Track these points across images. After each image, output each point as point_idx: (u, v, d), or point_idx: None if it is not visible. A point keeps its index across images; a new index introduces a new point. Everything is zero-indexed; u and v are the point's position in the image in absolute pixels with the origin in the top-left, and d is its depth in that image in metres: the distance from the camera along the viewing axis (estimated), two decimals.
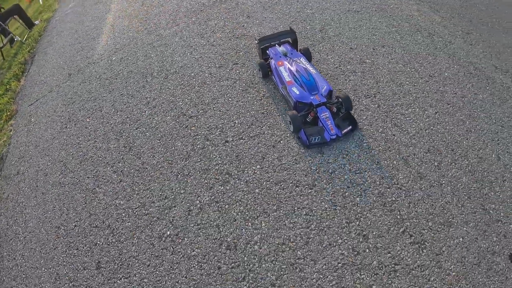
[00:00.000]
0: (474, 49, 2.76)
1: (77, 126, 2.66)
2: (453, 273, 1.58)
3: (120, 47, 3.27)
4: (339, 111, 2.25)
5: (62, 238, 2.04)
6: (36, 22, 5.08)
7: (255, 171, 1.98)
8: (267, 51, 2.59)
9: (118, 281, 1.76)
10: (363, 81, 2.44)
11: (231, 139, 2.16)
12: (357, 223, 1.74)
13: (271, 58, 2.51)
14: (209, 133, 2.23)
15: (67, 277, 1.85)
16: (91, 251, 1.91)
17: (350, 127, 2.18)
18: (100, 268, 1.83)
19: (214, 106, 2.41)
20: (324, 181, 1.91)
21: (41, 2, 5.99)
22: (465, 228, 1.75)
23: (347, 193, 1.87)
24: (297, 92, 2.20)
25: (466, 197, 1.86)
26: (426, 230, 1.73)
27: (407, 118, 2.21)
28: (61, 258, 1.94)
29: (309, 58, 2.57)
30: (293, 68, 2.34)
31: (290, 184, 1.89)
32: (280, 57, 2.47)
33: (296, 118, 2.12)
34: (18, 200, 2.38)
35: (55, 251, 1.98)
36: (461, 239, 1.71)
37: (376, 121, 2.18)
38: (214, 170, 2.04)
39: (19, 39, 4.59)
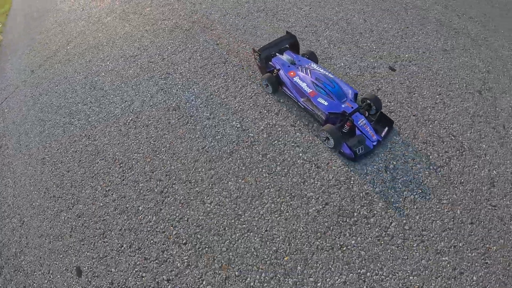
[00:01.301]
0: None
1: (48, 95, 3.22)
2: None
3: (72, 39, 3.92)
4: (368, 112, 2.15)
5: (47, 163, 2.53)
6: None
7: (185, 66, 2.73)
8: (270, 63, 2.40)
9: (96, 164, 2.32)
10: (254, 6, 3.34)
11: (166, 56, 2.89)
12: (258, 73, 2.49)
13: (278, 70, 2.31)
14: (150, 58, 2.95)
15: (54, 186, 2.32)
16: (72, 158, 2.44)
17: (387, 128, 2.09)
18: (81, 163, 2.37)
19: (152, 45, 3.15)
20: (233, 55, 2.73)
21: None
22: (344, 58, 2.61)
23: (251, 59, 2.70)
24: (326, 103, 2.03)
25: (340, 43, 2.73)
26: None
27: (288, 15, 3.11)
28: (48, 176, 2.40)
29: (315, 62, 2.43)
30: (310, 77, 2.18)
31: (209, 65, 2.66)
32: (289, 66, 2.29)
33: (335, 132, 1.96)
34: (4, 162, 2.78)
35: (42, 175, 2.44)
36: (342, 64, 2.57)
37: (265, 22, 3.05)
38: (157, 75, 2.74)
39: None
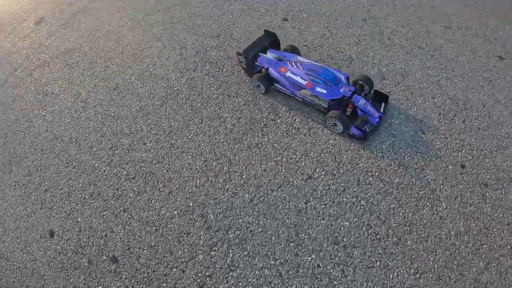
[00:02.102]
0: None
1: (5, 114, 3.47)
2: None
3: (18, 67, 4.28)
4: (362, 92, 2.25)
5: (14, 164, 2.78)
6: None
7: (120, 58, 3.18)
8: (257, 63, 2.40)
9: (56, 147, 2.64)
10: None
11: (103, 55, 3.29)
12: (182, 47, 2.98)
13: (267, 69, 2.32)
14: (90, 61, 3.36)
15: (23, 177, 2.57)
16: (35, 150, 2.71)
17: (383, 103, 2.21)
18: (43, 151, 2.68)
19: (90, 51, 3.57)
20: (156, 40, 3.20)
21: None
22: (244, 21, 3.10)
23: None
24: (325, 91, 2.10)
25: (240, 11, 3.23)
26: None
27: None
28: (16, 172, 2.65)
29: (298, 54, 2.48)
30: (303, 69, 2.22)
31: (139, 51, 3.11)
32: (277, 63, 2.31)
33: (343, 117, 2.05)
34: None
35: (11, 174, 2.67)
36: (242, 25, 3.07)
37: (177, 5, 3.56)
38: (98, 70, 3.17)
39: None
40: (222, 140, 2.26)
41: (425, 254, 1.86)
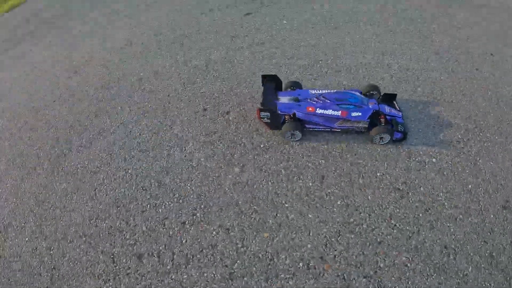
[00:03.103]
0: None
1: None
2: None
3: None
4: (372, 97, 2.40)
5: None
6: None
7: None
8: (279, 112, 2.33)
9: None
10: None
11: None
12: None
13: (293, 114, 2.29)
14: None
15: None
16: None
17: (394, 102, 2.45)
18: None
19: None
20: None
21: None
22: None
23: None
24: (360, 114, 2.20)
25: None
26: None
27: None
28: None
29: (301, 87, 2.53)
30: (330, 101, 2.24)
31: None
32: (299, 105, 2.29)
33: (389, 130, 2.19)
34: None
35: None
36: None
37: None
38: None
39: None
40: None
41: (182, 184, 2.35)
